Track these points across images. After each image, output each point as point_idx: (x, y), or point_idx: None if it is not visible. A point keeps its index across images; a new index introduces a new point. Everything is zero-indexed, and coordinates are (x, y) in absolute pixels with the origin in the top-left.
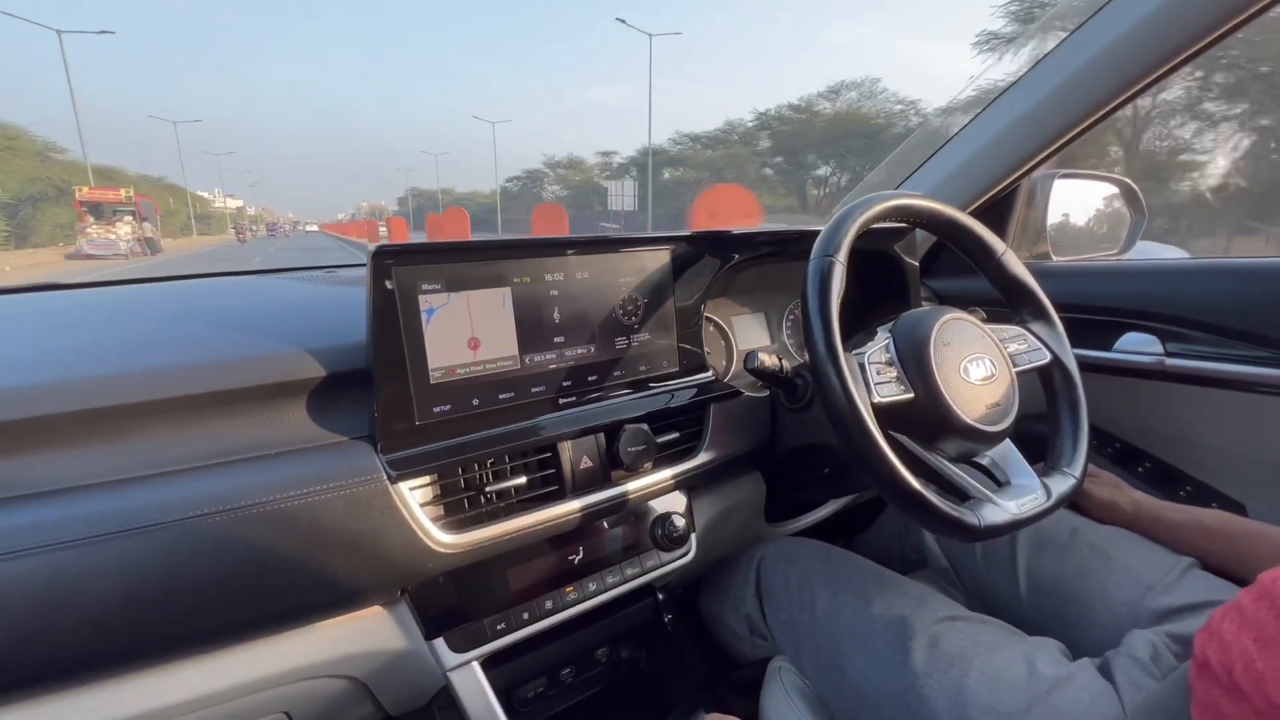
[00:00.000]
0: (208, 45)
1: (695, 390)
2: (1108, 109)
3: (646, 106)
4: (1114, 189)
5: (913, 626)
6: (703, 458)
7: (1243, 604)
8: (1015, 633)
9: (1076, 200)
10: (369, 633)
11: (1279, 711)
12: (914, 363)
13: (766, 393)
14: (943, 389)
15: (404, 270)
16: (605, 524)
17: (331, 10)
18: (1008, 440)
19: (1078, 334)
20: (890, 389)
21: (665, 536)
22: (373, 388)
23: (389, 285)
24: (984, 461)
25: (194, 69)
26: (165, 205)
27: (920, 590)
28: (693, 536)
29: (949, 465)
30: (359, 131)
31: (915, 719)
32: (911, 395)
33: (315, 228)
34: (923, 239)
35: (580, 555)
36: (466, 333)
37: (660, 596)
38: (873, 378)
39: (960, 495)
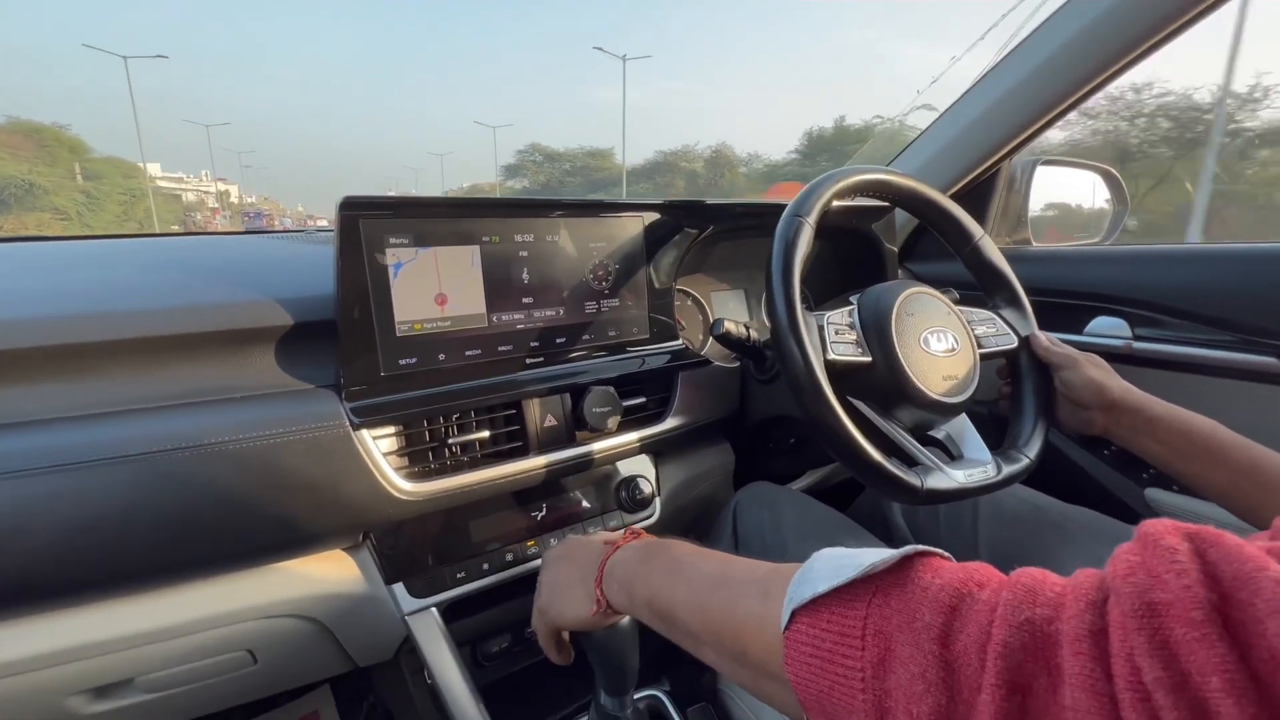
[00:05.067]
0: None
1: (665, 357)
2: (1083, 92)
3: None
4: (1097, 177)
5: None
6: (670, 423)
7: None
8: None
9: (1058, 187)
10: (330, 575)
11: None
12: (875, 329)
13: (737, 364)
14: (900, 356)
15: (371, 223)
16: (569, 482)
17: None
18: (964, 416)
19: (1051, 317)
20: (846, 349)
21: (630, 498)
22: (338, 338)
23: (356, 237)
24: (940, 435)
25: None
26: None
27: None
28: (657, 500)
29: (903, 434)
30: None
31: None
32: (869, 360)
33: (326, 223)
34: (903, 223)
35: (544, 512)
36: (434, 288)
37: None
38: (829, 336)
39: (911, 463)
